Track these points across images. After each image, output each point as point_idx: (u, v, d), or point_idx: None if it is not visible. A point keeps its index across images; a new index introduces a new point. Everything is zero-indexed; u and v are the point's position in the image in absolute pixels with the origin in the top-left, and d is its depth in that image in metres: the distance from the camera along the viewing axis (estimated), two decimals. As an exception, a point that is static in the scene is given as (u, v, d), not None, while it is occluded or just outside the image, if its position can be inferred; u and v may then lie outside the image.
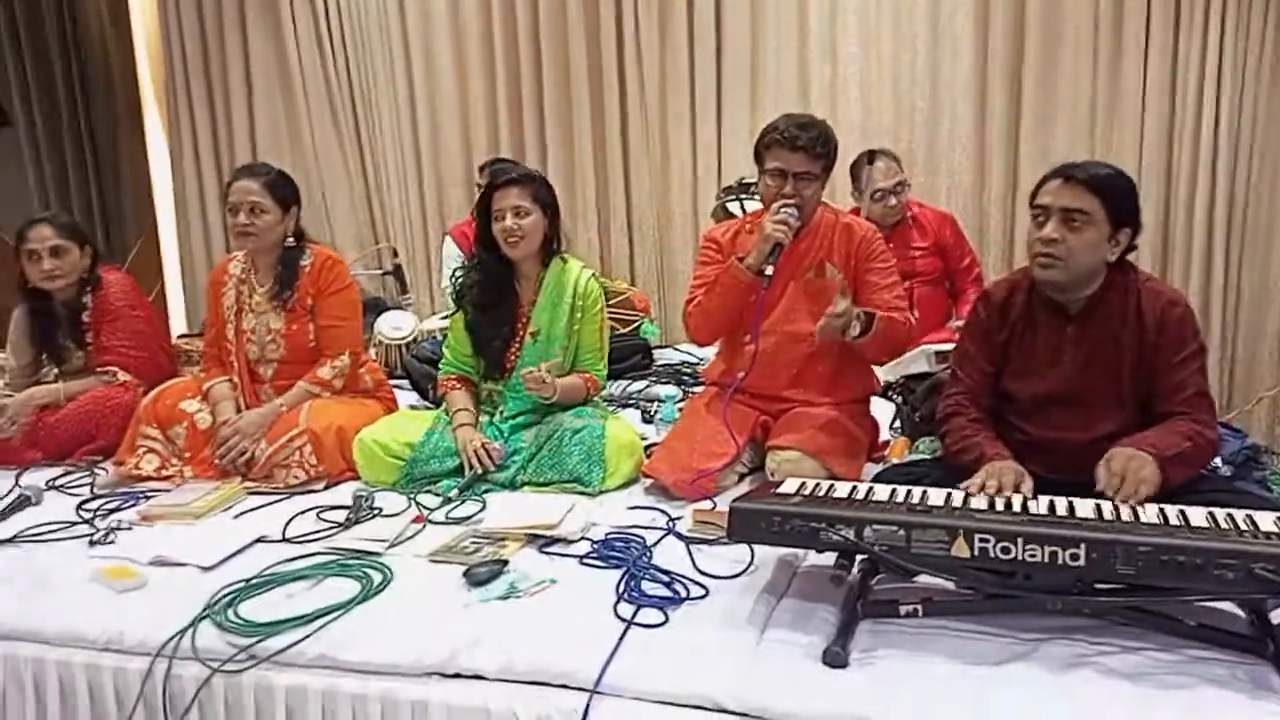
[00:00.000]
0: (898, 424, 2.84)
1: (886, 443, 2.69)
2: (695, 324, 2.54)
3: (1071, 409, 1.98)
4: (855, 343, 2.32)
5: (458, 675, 1.62)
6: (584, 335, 2.66)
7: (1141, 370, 1.94)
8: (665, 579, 1.88)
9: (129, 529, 2.26)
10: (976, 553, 1.56)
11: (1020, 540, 1.54)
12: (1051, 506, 1.68)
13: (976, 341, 2.09)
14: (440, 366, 2.78)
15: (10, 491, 2.50)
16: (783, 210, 2.33)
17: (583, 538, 2.12)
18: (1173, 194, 3.77)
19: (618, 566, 1.95)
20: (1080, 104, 3.83)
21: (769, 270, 2.32)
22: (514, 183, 2.55)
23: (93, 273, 2.98)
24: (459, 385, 2.69)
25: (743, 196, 3.71)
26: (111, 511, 2.38)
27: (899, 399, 2.84)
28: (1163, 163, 3.77)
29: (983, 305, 2.09)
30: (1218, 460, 2.27)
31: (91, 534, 2.22)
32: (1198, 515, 1.61)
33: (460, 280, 2.72)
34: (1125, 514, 1.64)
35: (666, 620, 1.73)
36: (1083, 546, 1.51)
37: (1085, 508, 1.67)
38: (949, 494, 1.76)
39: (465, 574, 1.90)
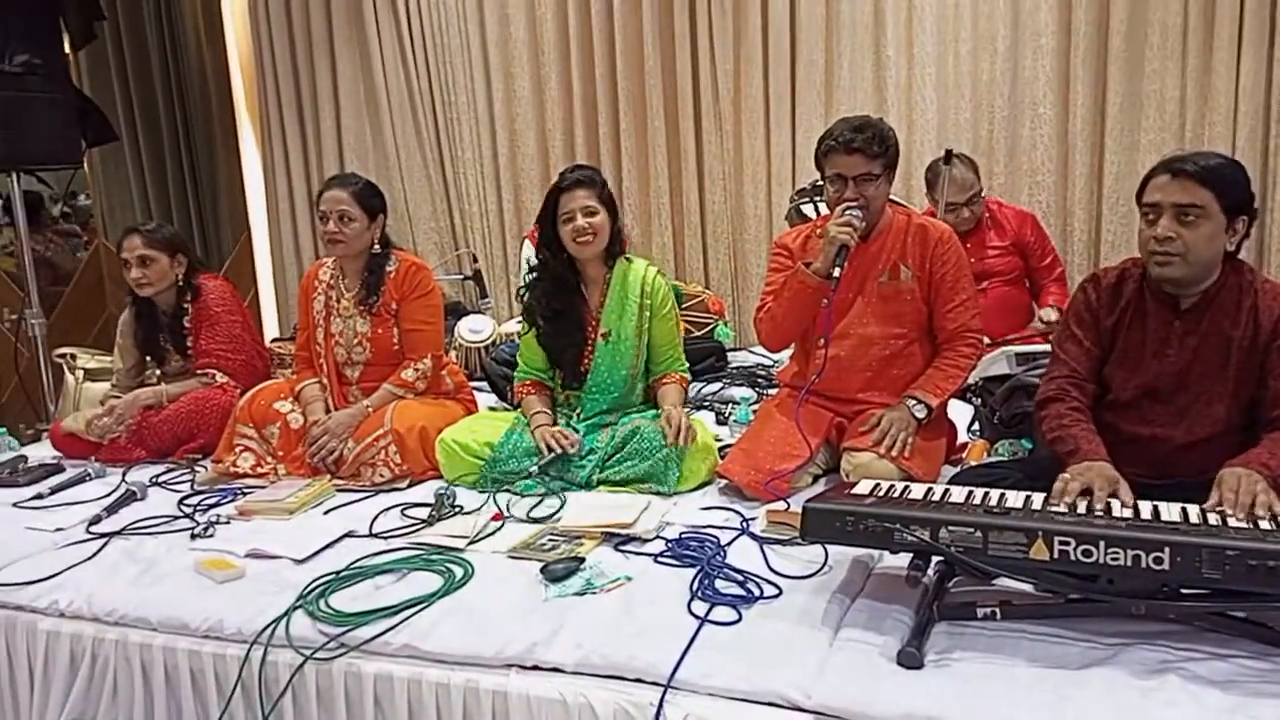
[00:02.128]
0: (976, 426, 2.80)
1: (965, 445, 2.65)
2: (766, 331, 2.56)
3: (1170, 406, 1.93)
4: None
5: (536, 667, 1.67)
6: (660, 334, 2.70)
7: (1249, 372, 1.88)
8: (739, 578, 1.90)
9: (227, 523, 2.37)
10: (1056, 555, 1.54)
11: (1102, 543, 1.52)
12: (1135, 510, 1.65)
13: (1083, 323, 2.03)
14: (515, 375, 2.84)
15: (118, 487, 2.64)
16: (847, 213, 2.34)
17: (657, 537, 2.15)
18: (1269, 193, 3.62)
19: (692, 565, 1.97)
20: (1168, 101, 3.70)
21: (836, 273, 2.32)
22: (580, 184, 2.60)
23: (189, 280, 3.12)
24: (534, 390, 2.75)
25: (817, 199, 3.69)
26: (211, 507, 2.50)
27: (978, 401, 2.80)
28: (1258, 161, 3.62)
29: (1092, 287, 2.03)
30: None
31: (192, 528, 2.33)
32: (1290, 520, 1.57)
33: (526, 296, 2.76)
34: (1213, 518, 1.60)
35: (740, 618, 1.75)
36: (1167, 550, 1.48)
37: (1170, 511, 1.63)
38: (1028, 496, 1.73)
39: (543, 570, 1.95)
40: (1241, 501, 1.63)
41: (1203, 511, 1.64)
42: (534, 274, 2.74)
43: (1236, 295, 1.89)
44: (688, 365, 2.81)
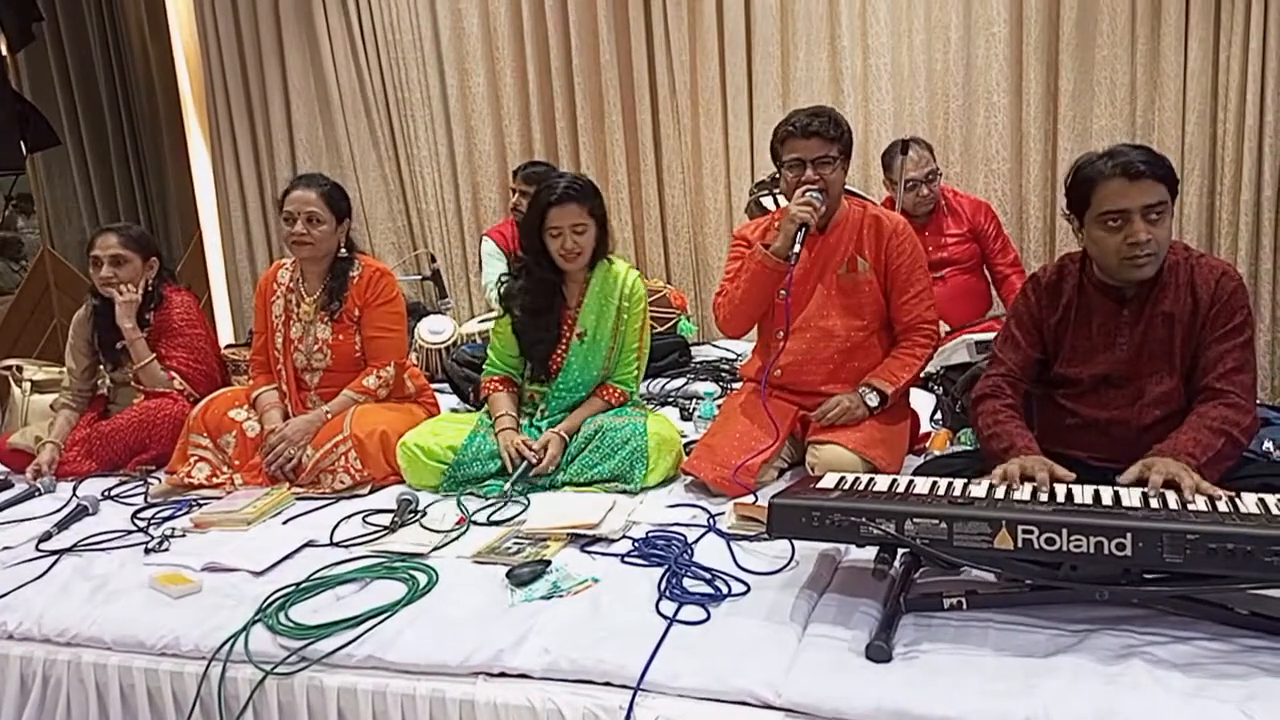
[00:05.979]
0: (939, 416, 2.82)
1: (928, 435, 2.67)
2: (724, 315, 2.56)
3: (1125, 390, 1.96)
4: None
5: (503, 674, 1.64)
6: (625, 336, 2.67)
7: (1192, 345, 1.92)
8: (707, 576, 1.89)
9: (182, 536, 2.32)
10: (1020, 544, 1.55)
11: (1065, 531, 1.53)
12: (1096, 496, 1.66)
13: (1023, 325, 2.07)
14: (484, 368, 2.78)
15: (68, 502, 2.57)
16: (808, 193, 2.36)
17: (624, 536, 2.13)
18: (1218, 176, 3.68)
19: (659, 564, 1.96)
20: (1119, 87, 3.76)
21: (796, 249, 2.33)
22: (573, 199, 2.51)
23: (156, 289, 3.01)
24: (501, 387, 2.71)
25: (776, 191, 3.69)
26: (165, 520, 2.44)
27: (939, 390, 2.82)
28: (1207, 145, 3.69)
29: (1032, 288, 2.07)
30: (1269, 444, 2.23)
31: (147, 542, 2.27)
32: (1248, 501, 1.58)
33: (506, 285, 2.71)
34: (1173, 502, 1.61)
35: (708, 617, 1.74)
36: (1129, 536, 1.49)
37: (1131, 497, 1.65)
38: (991, 486, 1.74)
39: (508, 574, 1.92)
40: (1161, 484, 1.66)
41: (1163, 495, 1.65)
42: (520, 267, 2.66)
43: (1175, 272, 1.93)
44: (634, 375, 2.71)
